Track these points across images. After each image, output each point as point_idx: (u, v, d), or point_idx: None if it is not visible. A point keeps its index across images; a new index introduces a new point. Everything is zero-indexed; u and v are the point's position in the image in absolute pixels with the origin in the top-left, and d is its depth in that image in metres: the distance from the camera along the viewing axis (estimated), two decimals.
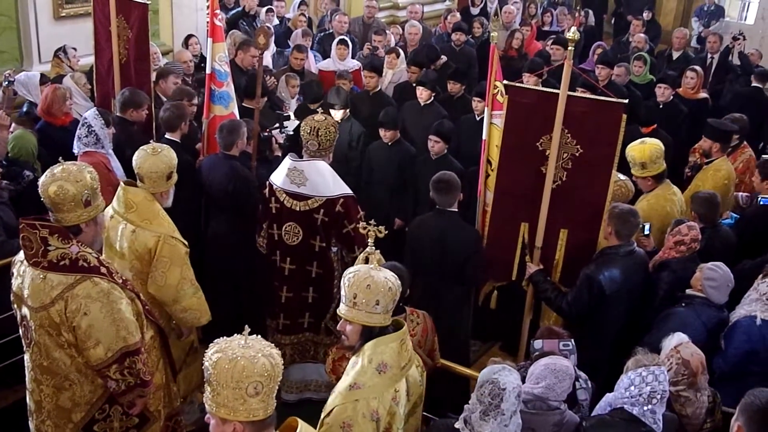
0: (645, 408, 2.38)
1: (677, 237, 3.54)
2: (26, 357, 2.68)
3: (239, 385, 1.77)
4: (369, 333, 2.32)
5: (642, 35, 7.48)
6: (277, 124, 4.55)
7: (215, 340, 1.86)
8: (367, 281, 2.28)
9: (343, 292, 2.35)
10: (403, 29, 7.17)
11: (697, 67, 6.30)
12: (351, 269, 2.38)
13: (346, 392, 2.25)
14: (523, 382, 2.72)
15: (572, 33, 3.30)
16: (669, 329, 2.90)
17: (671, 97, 5.81)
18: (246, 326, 1.88)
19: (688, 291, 3.30)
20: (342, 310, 2.36)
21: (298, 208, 3.57)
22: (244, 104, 4.71)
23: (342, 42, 6.32)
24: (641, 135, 4.90)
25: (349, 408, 2.22)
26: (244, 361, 1.77)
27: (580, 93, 4.44)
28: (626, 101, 3.42)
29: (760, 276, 3.28)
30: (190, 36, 6.19)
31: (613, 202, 3.64)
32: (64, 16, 5.69)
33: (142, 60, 4.66)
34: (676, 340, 2.78)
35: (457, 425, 2.33)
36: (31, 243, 2.48)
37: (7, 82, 4.66)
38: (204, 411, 4.08)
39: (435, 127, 4.62)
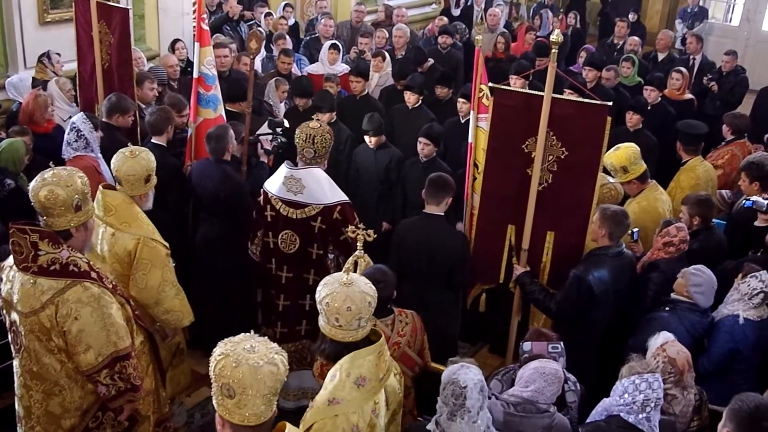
0: (640, 416, 2.40)
1: (666, 238, 3.55)
2: (15, 363, 2.67)
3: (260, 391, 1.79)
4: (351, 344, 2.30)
5: (636, 38, 7.50)
6: (269, 130, 4.52)
7: (222, 351, 1.83)
8: (347, 303, 2.25)
9: (323, 315, 2.31)
10: (390, 33, 7.18)
11: (683, 68, 6.35)
12: (323, 291, 2.31)
13: (324, 407, 2.22)
14: (512, 385, 2.74)
15: (555, 36, 3.31)
16: (652, 334, 2.90)
17: (659, 99, 5.85)
18: (252, 331, 1.90)
19: (673, 296, 3.31)
20: (326, 329, 2.32)
21: (295, 216, 3.55)
22: (226, 107, 4.70)
23: (333, 46, 6.33)
24: (629, 136, 4.93)
25: (329, 424, 2.19)
26: (268, 367, 1.79)
27: (567, 95, 4.45)
28: (610, 103, 3.42)
29: (740, 276, 3.30)
30: (176, 41, 6.16)
31: (602, 205, 3.66)
32: (49, 21, 5.66)
33: (124, 65, 4.64)
34: (662, 339, 2.79)
35: (429, 427, 2.35)
36: (21, 248, 2.47)
37: None
38: (191, 415, 4.03)
39: (425, 130, 4.61)
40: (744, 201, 4.17)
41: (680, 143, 4.68)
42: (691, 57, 7.31)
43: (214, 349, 1.84)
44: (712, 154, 5.17)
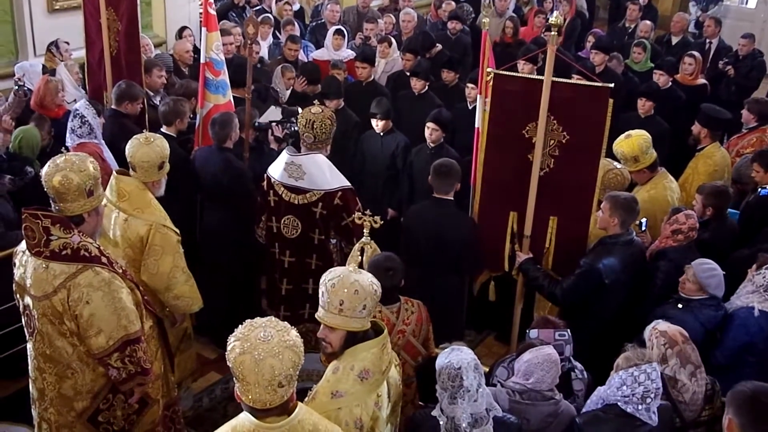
0: (640, 407, 2.39)
1: (675, 226, 3.51)
2: (29, 346, 2.72)
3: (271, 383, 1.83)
4: (353, 338, 2.26)
5: (648, 22, 7.34)
6: (283, 118, 4.52)
7: (237, 334, 1.86)
8: (355, 287, 2.20)
9: (324, 299, 2.25)
10: (396, 18, 7.11)
11: (696, 53, 6.21)
12: (330, 275, 2.26)
13: (328, 400, 2.20)
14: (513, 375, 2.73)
15: (555, 17, 3.26)
16: None
17: (669, 83, 5.74)
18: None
19: (683, 295, 3.24)
20: (325, 317, 2.25)
21: (296, 202, 3.57)
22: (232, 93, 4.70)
23: (338, 32, 6.31)
24: (641, 122, 4.85)
25: (332, 417, 2.18)
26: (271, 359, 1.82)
27: (575, 80, 4.38)
28: (611, 85, 3.36)
29: (754, 267, 3.25)
30: (183, 28, 6.15)
31: (608, 191, 3.62)
32: (57, 9, 5.71)
33: (132, 52, 4.65)
34: (653, 324, 2.79)
35: (434, 413, 2.36)
36: (33, 233, 2.50)
37: (17, 87, 4.63)
38: (199, 400, 4.07)
39: (433, 115, 4.58)
40: (760, 190, 4.11)
41: (704, 128, 4.57)
42: (708, 41, 7.16)
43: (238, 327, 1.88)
44: (737, 141, 5.04)
